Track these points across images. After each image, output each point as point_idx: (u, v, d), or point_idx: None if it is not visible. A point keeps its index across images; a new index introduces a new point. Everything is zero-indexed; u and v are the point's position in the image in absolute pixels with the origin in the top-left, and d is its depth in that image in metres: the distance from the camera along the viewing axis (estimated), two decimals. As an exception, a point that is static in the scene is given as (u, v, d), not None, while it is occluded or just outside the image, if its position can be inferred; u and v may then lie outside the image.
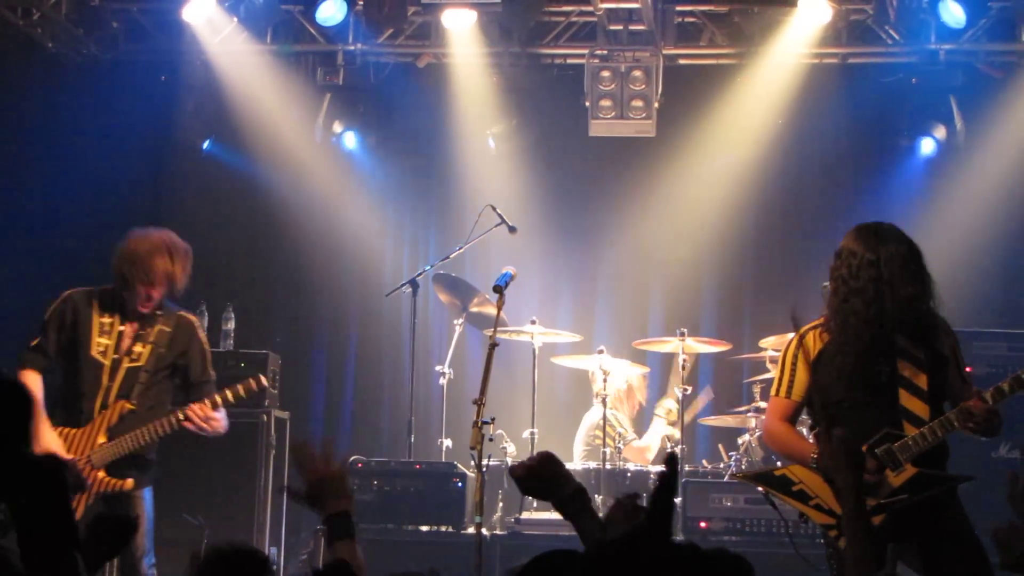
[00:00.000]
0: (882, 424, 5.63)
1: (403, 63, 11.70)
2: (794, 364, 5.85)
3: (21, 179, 11.27)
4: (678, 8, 11.22)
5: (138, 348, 7.05)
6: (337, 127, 11.84)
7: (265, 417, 9.82)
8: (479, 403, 6.43)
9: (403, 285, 10.32)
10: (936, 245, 11.07)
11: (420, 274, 10.35)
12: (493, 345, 6.66)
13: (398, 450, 10.50)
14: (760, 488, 6.02)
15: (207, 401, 7.04)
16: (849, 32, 11.14)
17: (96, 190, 11.49)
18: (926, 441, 5.60)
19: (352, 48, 11.35)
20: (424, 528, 9.45)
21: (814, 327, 5.87)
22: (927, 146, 11.32)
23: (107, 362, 6.99)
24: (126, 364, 7.02)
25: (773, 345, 10.12)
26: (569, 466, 9.64)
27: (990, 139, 11.09)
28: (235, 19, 11.09)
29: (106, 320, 7.06)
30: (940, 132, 11.15)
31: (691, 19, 11.34)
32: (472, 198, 11.15)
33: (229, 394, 7.11)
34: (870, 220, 5.82)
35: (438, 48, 11.47)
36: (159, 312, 7.13)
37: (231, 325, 10.46)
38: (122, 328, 7.05)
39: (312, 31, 11.33)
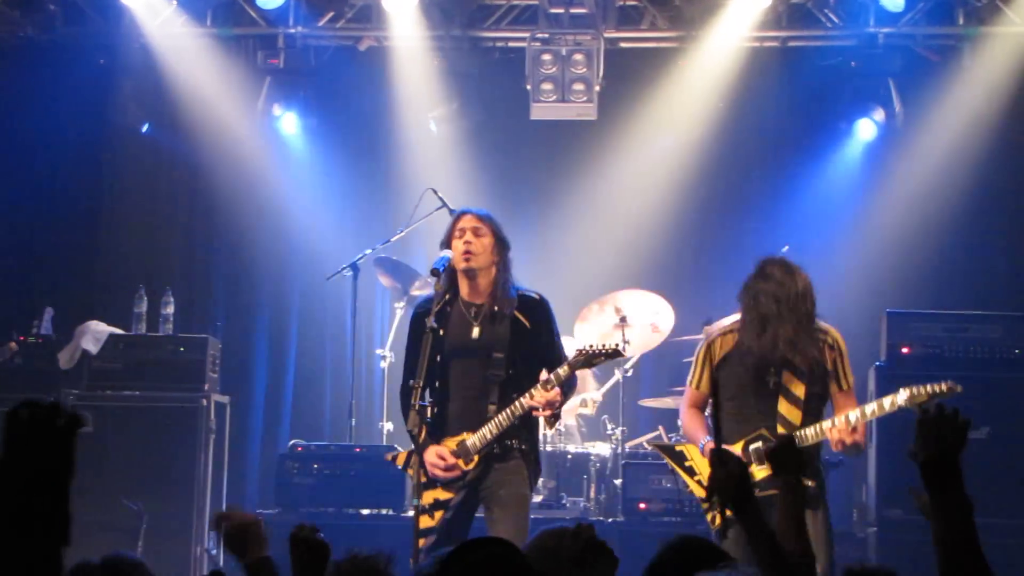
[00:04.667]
0: (759, 425, 6.44)
1: (344, 46, 11.65)
2: (703, 361, 6.73)
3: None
4: (620, -9, 11.25)
5: None
6: (277, 110, 11.70)
7: (205, 401, 9.78)
8: (416, 386, 6.41)
9: (344, 268, 10.29)
10: (873, 227, 11.30)
11: (361, 257, 10.32)
12: (431, 328, 6.64)
13: (339, 434, 10.47)
14: (663, 456, 7.18)
15: None
16: (789, 15, 11.20)
17: (34, 174, 11.41)
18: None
19: (293, 31, 11.27)
20: (364, 511, 9.47)
21: (725, 332, 6.66)
22: (867, 129, 11.36)
23: None
24: None
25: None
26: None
27: (928, 122, 11.16)
28: (174, 2, 11.02)
29: None
30: (879, 115, 11.21)
31: (632, 2, 11.35)
32: (414, 181, 11.11)
33: None
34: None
35: (379, 31, 11.42)
36: None
37: (170, 310, 10.37)
38: None
39: (252, 14, 11.27)
